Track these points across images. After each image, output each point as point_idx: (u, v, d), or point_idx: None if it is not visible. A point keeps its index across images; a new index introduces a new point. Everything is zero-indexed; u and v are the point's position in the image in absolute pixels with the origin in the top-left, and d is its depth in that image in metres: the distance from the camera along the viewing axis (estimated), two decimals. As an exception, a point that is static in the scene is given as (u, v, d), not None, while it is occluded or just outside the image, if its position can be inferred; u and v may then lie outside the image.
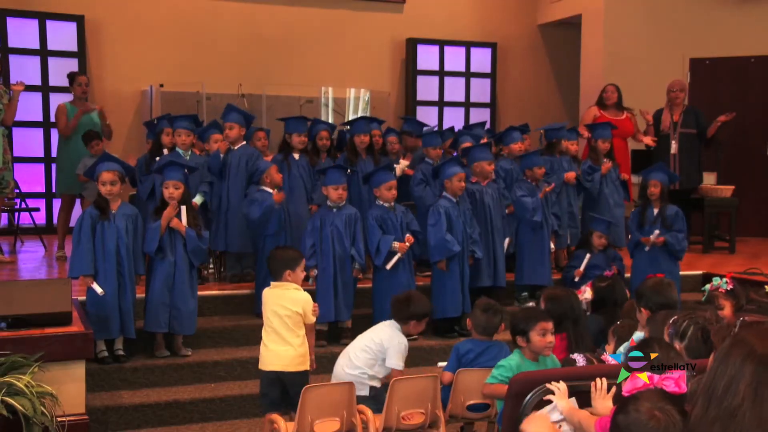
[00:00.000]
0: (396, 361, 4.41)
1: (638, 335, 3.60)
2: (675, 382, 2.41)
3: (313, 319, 4.41)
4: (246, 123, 6.56)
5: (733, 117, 8.42)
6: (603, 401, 2.74)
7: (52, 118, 8.16)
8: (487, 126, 10.06)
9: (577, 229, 7.19)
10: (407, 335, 4.54)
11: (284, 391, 4.33)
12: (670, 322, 3.16)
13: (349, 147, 6.78)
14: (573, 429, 2.75)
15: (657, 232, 6.32)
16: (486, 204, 6.30)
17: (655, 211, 6.45)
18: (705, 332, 3.07)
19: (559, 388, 2.84)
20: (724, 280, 4.50)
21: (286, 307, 4.31)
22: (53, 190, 8.66)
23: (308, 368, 4.38)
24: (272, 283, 4.45)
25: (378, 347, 4.42)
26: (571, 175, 7.09)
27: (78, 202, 7.71)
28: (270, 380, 4.33)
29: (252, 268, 6.27)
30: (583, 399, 2.86)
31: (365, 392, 4.43)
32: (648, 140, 8.41)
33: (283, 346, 4.30)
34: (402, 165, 6.81)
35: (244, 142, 6.48)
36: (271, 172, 6.01)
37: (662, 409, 2.22)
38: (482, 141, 6.97)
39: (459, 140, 7.16)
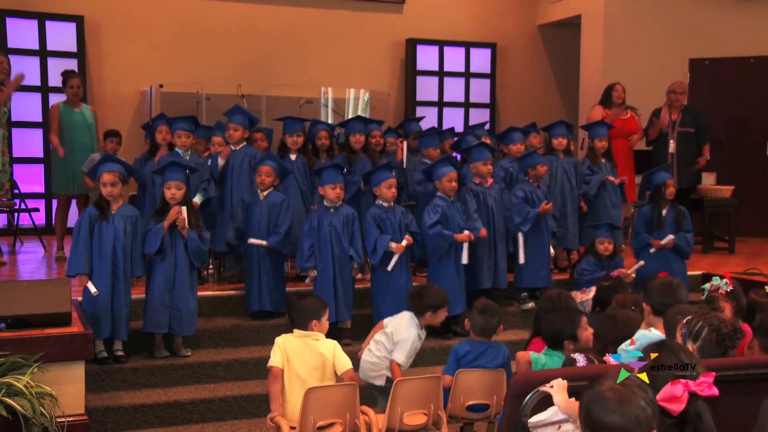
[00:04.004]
0: (399, 355, 4.54)
1: (642, 333, 3.58)
2: (708, 385, 2.40)
3: (350, 364, 4.12)
4: (250, 125, 6.55)
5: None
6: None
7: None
8: (487, 126, 10.06)
9: (567, 230, 7.12)
10: (427, 326, 4.73)
11: None
12: (684, 322, 3.16)
13: (345, 147, 6.77)
14: (574, 426, 2.75)
15: (672, 237, 6.28)
16: (489, 205, 6.28)
17: (664, 211, 6.42)
18: (720, 334, 3.07)
19: (558, 382, 2.84)
20: (724, 281, 4.48)
21: (317, 358, 4.11)
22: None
23: None
24: (296, 331, 4.18)
25: (389, 338, 4.59)
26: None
27: (74, 202, 7.68)
28: None
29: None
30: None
31: (381, 382, 4.54)
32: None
33: None
34: None
35: (245, 143, 6.48)
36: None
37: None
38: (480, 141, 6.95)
39: (466, 140, 7.15)
